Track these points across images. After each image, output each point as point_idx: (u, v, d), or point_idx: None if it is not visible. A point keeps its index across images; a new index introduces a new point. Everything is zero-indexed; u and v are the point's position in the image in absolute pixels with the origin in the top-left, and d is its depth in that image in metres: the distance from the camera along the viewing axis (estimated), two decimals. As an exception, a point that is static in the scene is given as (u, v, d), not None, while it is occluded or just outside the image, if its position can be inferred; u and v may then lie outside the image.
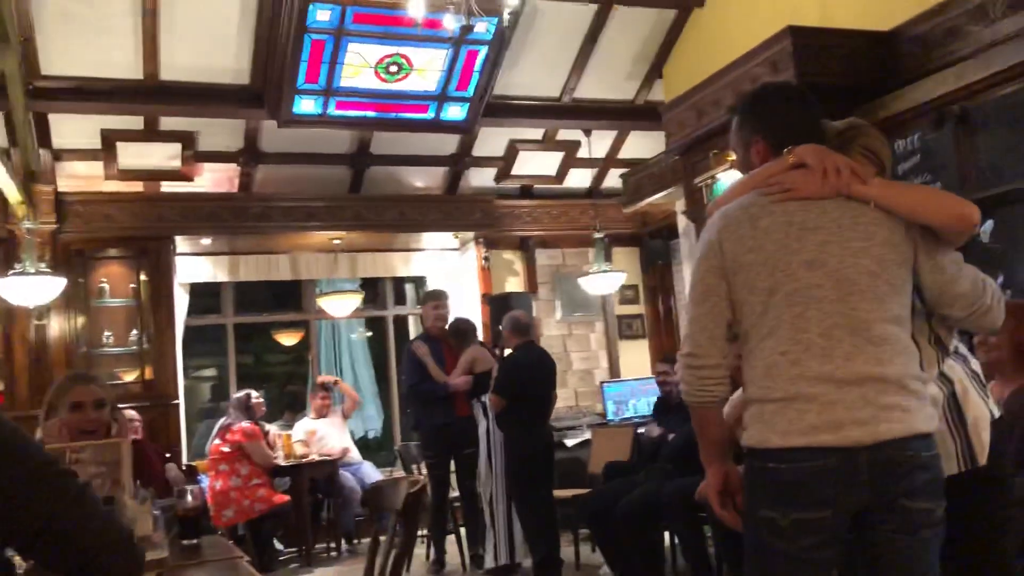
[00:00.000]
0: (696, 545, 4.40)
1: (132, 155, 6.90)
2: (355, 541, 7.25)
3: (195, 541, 2.93)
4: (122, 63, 6.10)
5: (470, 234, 8.08)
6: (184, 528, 2.94)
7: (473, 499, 5.99)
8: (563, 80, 7.15)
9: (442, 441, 5.99)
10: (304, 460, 6.93)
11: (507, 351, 5.85)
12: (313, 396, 7.54)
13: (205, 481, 6.42)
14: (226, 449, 6.39)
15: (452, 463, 6.09)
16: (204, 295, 7.93)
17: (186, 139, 6.88)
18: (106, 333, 6.90)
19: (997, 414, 2.29)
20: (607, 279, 7.64)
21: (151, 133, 6.77)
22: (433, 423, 5.99)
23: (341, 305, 7.68)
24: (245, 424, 6.46)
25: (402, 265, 8.32)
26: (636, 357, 8.68)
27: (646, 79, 7.24)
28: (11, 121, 5.95)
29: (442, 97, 6.85)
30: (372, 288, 8.53)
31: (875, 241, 1.88)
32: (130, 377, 6.90)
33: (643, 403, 7.62)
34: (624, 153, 8.14)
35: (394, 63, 6.55)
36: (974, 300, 1.94)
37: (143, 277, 7.00)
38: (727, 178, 5.26)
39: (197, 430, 8.40)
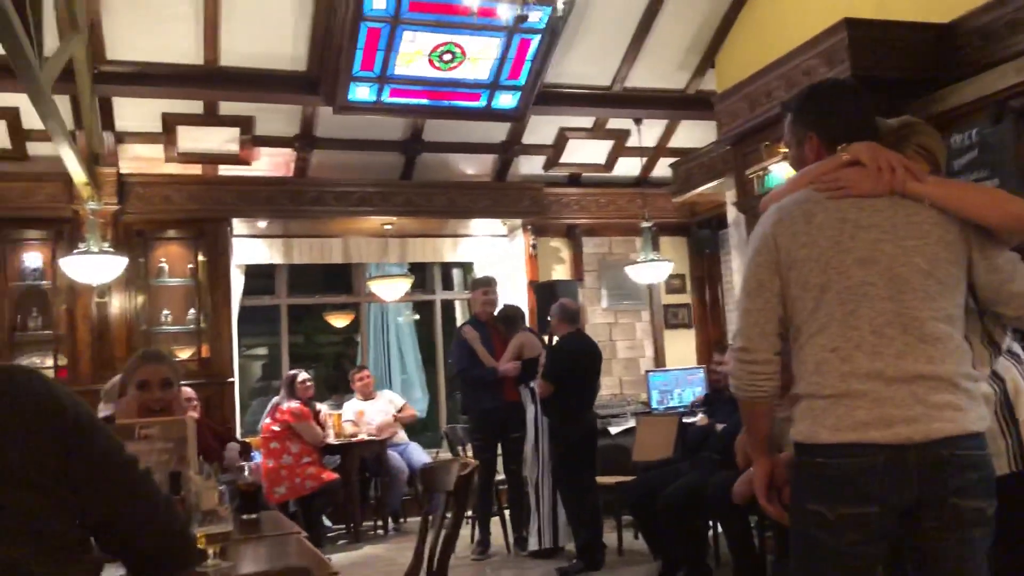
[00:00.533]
0: (741, 537, 4.42)
1: (191, 139, 7.07)
2: (401, 520, 7.39)
3: (255, 516, 3.04)
4: (183, 49, 6.25)
5: (518, 221, 8.14)
6: (244, 503, 3.06)
7: (518, 483, 6.08)
8: (615, 69, 7.15)
9: (490, 425, 6.07)
10: (354, 439, 7.08)
11: (554, 338, 5.92)
12: (352, 380, 7.67)
13: (258, 458, 6.59)
14: (276, 428, 6.56)
15: (499, 447, 6.18)
16: (259, 276, 8.10)
17: (244, 124, 7.02)
18: (164, 311, 7.11)
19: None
20: (654, 268, 7.65)
21: (210, 117, 6.93)
22: (481, 407, 6.08)
23: (390, 289, 7.80)
24: (293, 404, 6.62)
25: (450, 251, 8.41)
26: (682, 347, 8.68)
27: (698, 68, 7.22)
28: (77, 105, 6.14)
29: (494, 85, 6.90)
30: (420, 273, 8.64)
31: (929, 240, 1.89)
32: (186, 355, 7.10)
33: (688, 393, 7.63)
34: (674, 142, 8.12)
35: (448, 51, 6.61)
36: (1030, 299, 1.94)
37: (201, 258, 7.19)
38: (778, 170, 5.25)
39: (250, 407, 8.60)
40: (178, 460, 2.54)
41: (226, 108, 6.88)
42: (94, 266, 6.17)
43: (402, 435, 7.63)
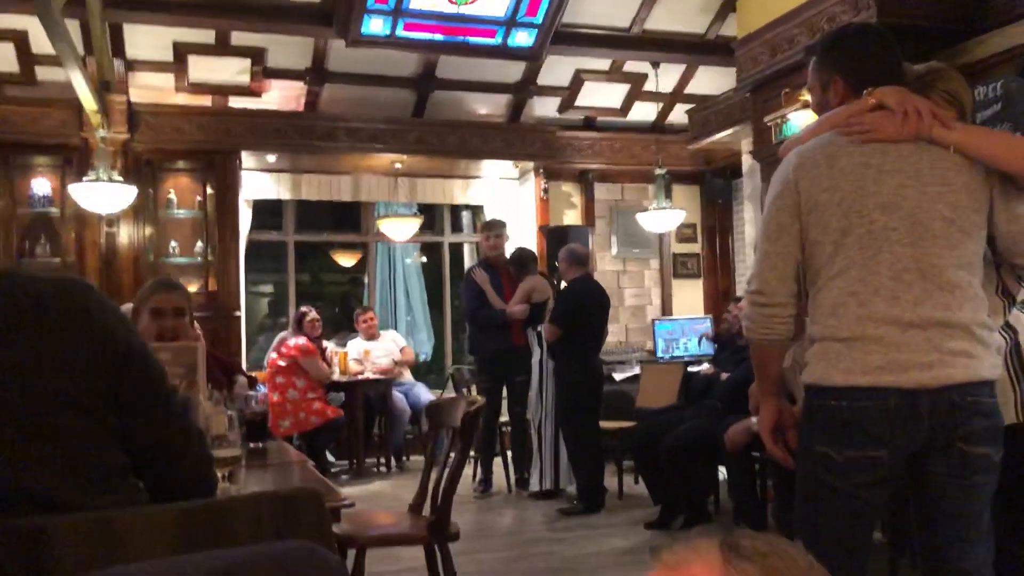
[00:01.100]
0: (744, 483, 4.46)
1: (202, 69, 6.99)
2: (404, 458, 7.47)
3: (261, 444, 3.07)
4: (196, -24, 6.15)
5: (530, 164, 8.07)
6: (251, 431, 3.08)
7: (522, 425, 6.13)
8: (634, 10, 7.01)
9: (496, 367, 6.10)
10: (359, 377, 7.13)
11: (562, 283, 5.91)
12: (357, 320, 7.68)
13: (264, 391, 6.65)
14: (282, 363, 6.61)
15: (504, 389, 6.21)
16: (266, 212, 8.07)
17: (255, 55, 6.94)
18: (172, 243, 7.11)
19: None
20: (666, 216, 7.60)
21: (222, 47, 6.84)
22: (488, 349, 6.11)
23: (399, 229, 7.77)
24: (300, 340, 6.65)
25: (461, 192, 8.35)
26: (690, 296, 8.67)
27: (719, 12, 7.07)
28: (88, 30, 6.06)
29: (510, 23, 6.79)
30: (429, 214, 8.60)
31: (953, 187, 1.87)
32: (194, 288, 7.09)
33: (694, 342, 7.64)
34: (692, 88, 8.00)
35: (465, -14, 6.49)
36: (1048, 251, 1.92)
37: (209, 190, 7.16)
38: (797, 118, 5.17)
39: (256, 343, 8.65)
40: (188, 385, 2.55)
41: (238, 38, 6.78)
42: (104, 195, 6.15)
43: (407, 375, 7.68)
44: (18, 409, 1.29)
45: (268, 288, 10.07)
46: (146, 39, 6.63)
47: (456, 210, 8.81)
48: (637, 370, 7.05)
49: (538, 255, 7.56)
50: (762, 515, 4.42)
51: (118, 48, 6.60)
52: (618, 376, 7.22)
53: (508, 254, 6.38)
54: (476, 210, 8.63)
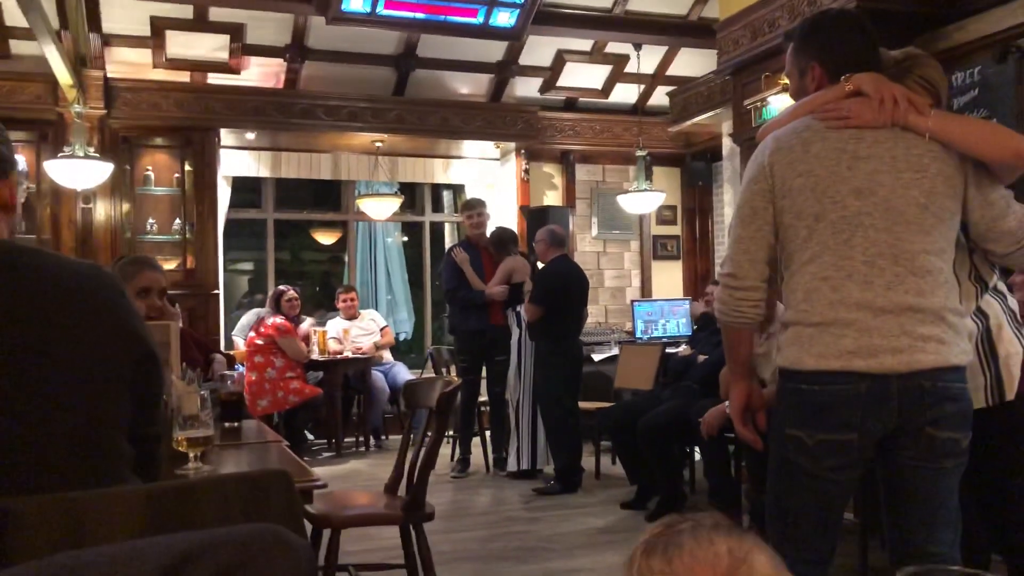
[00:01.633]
0: (719, 463, 4.50)
1: (180, 44, 6.90)
2: (383, 437, 7.48)
3: (236, 424, 3.07)
4: (173, -51, 6.06)
5: (511, 145, 8.05)
6: (226, 411, 3.07)
7: (500, 405, 6.14)
8: (616, -10, 6.99)
9: (475, 347, 6.11)
10: (338, 356, 7.11)
11: (539, 264, 5.92)
12: (337, 299, 7.67)
13: (241, 370, 6.62)
14: (260, 342, 6.58)
15: (483, 369, 6.22)
16: (245, 190, 8.01)
17: (234, 31, 6.86)
18: (150, 220, 7.04)
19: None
20: (646, 198, 7.61)
21: (200, 23, 6.75)
22: (468, 329, 6.11)
23: (379, 208, 7.74)
24: (278, 319, 6.63)
25: (441, 172, 8.32)
26: (669, 278, 8.70)
27: (702, -6, 7.06)
28: (63, 4, 5.96)
29: (492, 2, 6.73)
30: (410, 193, 8.56)
31: (927, 173, 1.88)
32: (172, 265, 7.05)
33: (673, 324, 7.67)
34: (673, 70, 7.99)
35: (446, -36, 6.43)
36: (1020, 238, 1.94)
37: (187, 167, 7.09)
38: (777, 101, 5.17)
39: (231, 321, 8.61)
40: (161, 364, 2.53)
41: (216, 14, 6.70)
42: (79, 171, 6.07)
43: (387, 355, 7.67)
44: (37, 387, 1.28)
45: (248, 266, 10.01)
46: (123, 13, 6.53)
47: (437, 189, 8.78)
48: (616, 351, 7.07)
49: (519, 235, 7.56)
50: (736, 495, 4.46)
51: (94, 22, 6.51)
52: (597, 357, 7.24)
53: (488, 234, 6.37)
54: (457, 190, 8.60)
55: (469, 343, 6.13)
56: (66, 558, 0.94)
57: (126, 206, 6.94)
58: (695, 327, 6.32)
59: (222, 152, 7.34)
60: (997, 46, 4.30)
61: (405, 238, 9.48)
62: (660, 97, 8.03)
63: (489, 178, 8.31)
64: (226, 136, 7.32)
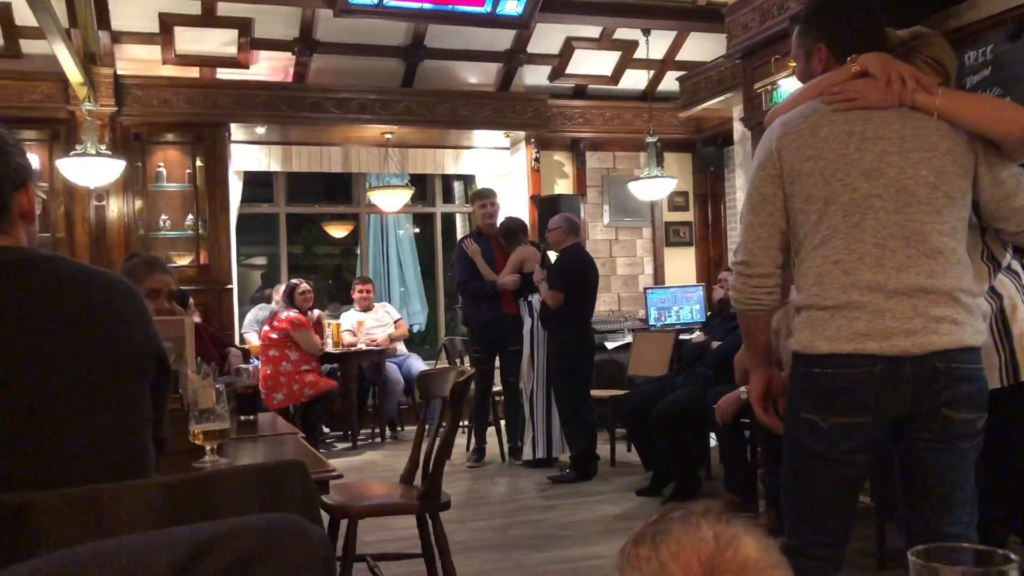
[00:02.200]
0: (734, 449, 4.50)
1: (189, 40, 6.92)
2: (398, 428, 7.51)
3: (252, 417, 3.09)
4: (180, -55, 6.08)
5: (521, 134, 8.04)
6: (242, 404, 3.09)
7: (515, 394, 6.15)
8: (624, -23, 6.96)
9: (488, 337, 6.12)
10: (352, 348, 7.14)
11: (550, 253, 5.92)
12: (353, 289, 7.70)
13: (256, 364, 6.66)
14: (274, 336, 6.61)
15: (496, 359, 6.23)
16: (257, 184, 8.04)
17: (242, 26, 6.87)
18: (163, 217, 7.08)
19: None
20: (657, 185, 7.59)
21: (208, 18, 6.77)
22: (480, 320, 6.11)
23: (390, 200, 7.75)
24: (292, 313, 6.65)
25: (452, 163, 8.32)
26: (682, 264, 8.68)
27: (710, -22, 7.02)
28: (72, 2, 5.99)
29: (499, -9, 6.72)
30: (421, 185, 8.58)
31: (936, 152, 1.86)
32: (185, 261, 7.10)
33: (686, 310, 7.66)
34: (683, 55, 7.95)
35: (452, -46, 6.41)
36: (1032, 217, 1.93)
37: (199, 163, 7.12)
38: (787, 84, 5.15)
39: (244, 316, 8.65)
40: (176, 358, 2.56)
41: (224, 9, 6.72)
42: (91, 169, 6.11)
43: (402, 347, 7.70)
44: (66, 386, 1.31)
45: (261, 260, 10.06)
46: (131, 10, 6.55)
47: (447, 180, 8.78)
48: (629, 339, 7.07)
49: (529, 225, 7.56)
50: (752, 480, 4.47)
51: (103, 20, 6.53)
52: (610, 345, 7.25)
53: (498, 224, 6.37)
54: (468, 180, 8.60)
55: (482, 333, 6.14)
56: (87, 549, 0.95)
57: (139, 203, 6.98)
58: (709, 313, 6.32)
59: (233, 147, 7.37)
60: (1010, 24, 4.26)
61: (416, 230, 9.51)
62: (670, 83, 7.99)
63: (499, 168, 8.30)
64: (236, 131, 7.35)
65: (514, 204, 7.87)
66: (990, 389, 1.95)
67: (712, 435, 5.08)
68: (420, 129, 7.74)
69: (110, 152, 6.28)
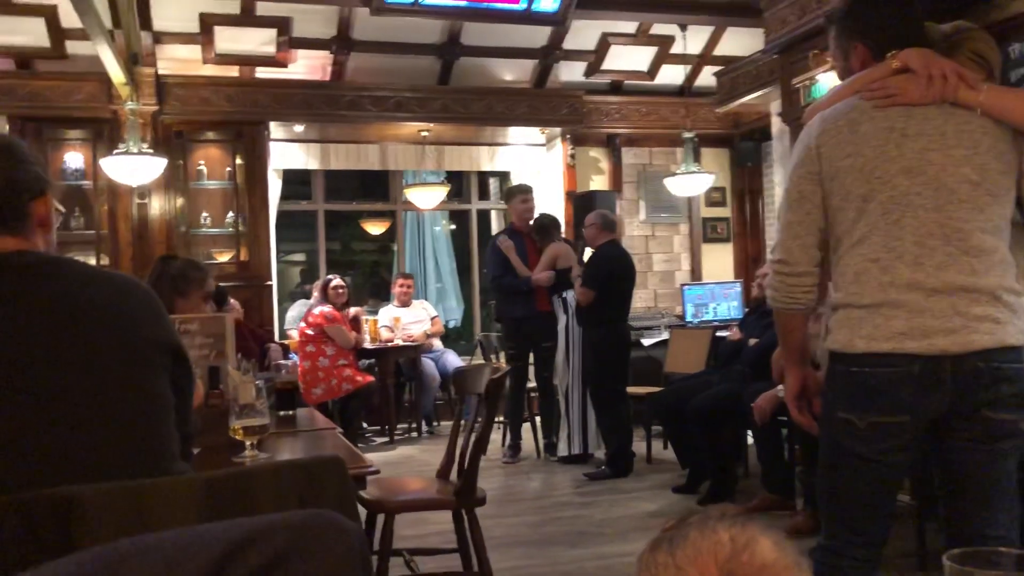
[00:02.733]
0: (772, 446, 4.47)
1: (229, 39, 7.01)
2: (435, 423, 7.56)
3: (291, 412, 3.13)
4: (220, -54, 6.15)
5: (557, 130, 8.03)
6: (280, 400, 3.13)
7: (549, 390, 6.16)
8: (661, -29, 6.92)
9: (522, 334, 6.13)
10: (389, 344, 7.20)
11: (587, 249, 5.91)
12: (394, 285, 7.76)
13: (295, 359, 6.73)
14: (310, 332, 6.68)
15: (531, 355, 6.24)
16: (296, 182, 8.12)
17: (281, 25, 6.94)
18: (204, 214, 7.18)
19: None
20: (694, 180, 7.54)
21: (247, 18, 6.85)
22: (514, 316, 6.13)
23: (427, 197, 7.79)
24: (325, 308, 6.72)
25: (487, 159, 8.34)
26: (719, 260, 8.62)
27: (748, -28, 6.95)
28: (115, 3, 6.09)
29: (535, -13, 6.72)
30: (457, 182, 8.61)
31: (979, 149, 1.83)
32: (225, 258, 7.20)
33: (724, 307, 7.61)
34: (720, 50, 7.89)
35: (488, -49, 6.42)
36: (1078, 214, 1.89)
37: (239, 161, 7.21)
38: (826, 79, 5.09)
39: (284, 312, 8.76)
40: (217, 355, 2.61)
41: (263, 8, 6.79)
42: (134, 167, 6.22)
43: (437, 343, 7.74)
44: (90, 376, 1.36)
45: (300, 257, 10.17)
46: (173, 11, 6.65)
47: (483, 177, 8.80)
48: (666, 335, 7.04)
49: (565, 221, 7.56)
50: (789, 479, 4.43)
51: (146, 21, 6.64)
52: (646, 342, 7.22)
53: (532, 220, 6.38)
54: (503, 177, 8.61)
55: (516, 330, 6.15)
56: (129, 543, 0.98)
57: (180, 200, 7.09)
58: (746, 310, 6.27)
59: (272, 145, 7.45)
60: (1056, 15, 4.16)
61: (453, 226, 9.54)
62: (707, 78, 7.93)
63: (535, 164, 8.30)
64: (275, 129, 7.43)
65: (550, 200, 7.87)
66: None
67: (748, 432, 5.05)
68: (456, 126, 7.77)
69: (152, 150, 6.38)
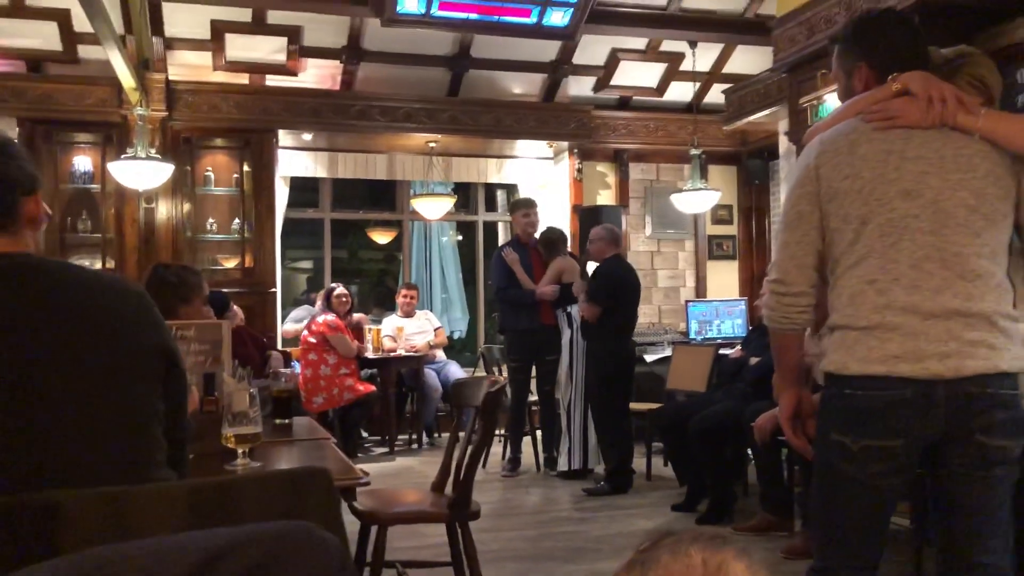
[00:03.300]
0: (770, 467, 4.44)
1: (239, 47, 7.05)
2: (436, 434, 7.54)
3: (287, 421, 3.12)
4: (232, -46, 6.19)
5: (564, 144, 8.04)
6: (278, 408, 3.13)
7: (551, 404, 6.15)
8: (672, -12, 6.94)
9: (525, 346, 6.12)
10: (392, 354, 7.19)
11: (590, 263, 5.90)
12: (398, 295, 7.76)
13: (297, 367, 6.74)
14: (312, 340, 6.69)
15: (533, 368, 6.23)
16: (303, 189, 8.14)
17: (292, 33, 6.98)
18: (210, 220, 7.21)
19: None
20: (701, 197, 7.54)
21: (258, 26, 6.89)
22: (518, 328, 6.12)
23: (434, 207, 7.80)
24: (328, 317, 6.73)
25: (495, 171, 8.35)
26: (724, 278, 8.61)
27: (758, -10, 6.97)
28: (127, 9, 6.14)
29: (546, 2, 6.74)
30: (464, 193, 8.63)
31: (977, 174, 1.83)
32: (231, 264, 7.22)
33: (728, 325, 7.59)
34: (729, 68, 7.90)
35: (499, -35, 6.45)
36: (1076, 240, 1.89)
37: (246, 168, 7.24)
38: (833, 100, 5.09)
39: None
40: (212, 362, 2.61)
41: (274, 17, 6.83)
42: (141, 171, 6.24)
43: (440, 354, 7.73)
44: (79, 380, 1.36)
45: (306, 264, 10.18)
46: (184, 17, 6.69)
47: (490, 189, 8.82)
48: (669, 352, 7.02)
49: (571, 235, 7.56)
50: (788, 500, 4.40)
51: (157, 26, 6.67)
52: (649, 358, 7.20)
53: (537, 234, 6.38)
54: (510, 189, 8.63)
55: (519, 343, 6.15)
56: (107, 551, 0.98)
57: (187, 206, 7.11)
58: (750, 328, 6.26)
59: (280, 153, 7.48)
60: (1063, 41, 4.16)
61: (459, 237, 9.55)
62: (715, 95, 7.94)
63: (542, 178, 8.32)
64: (284, 137, 7.46)
65: (556, 214, 7.88)
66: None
67: (749, 451, 5.02)
68: (464, 138, 7.79)
69: (160, 156, 6.41)
